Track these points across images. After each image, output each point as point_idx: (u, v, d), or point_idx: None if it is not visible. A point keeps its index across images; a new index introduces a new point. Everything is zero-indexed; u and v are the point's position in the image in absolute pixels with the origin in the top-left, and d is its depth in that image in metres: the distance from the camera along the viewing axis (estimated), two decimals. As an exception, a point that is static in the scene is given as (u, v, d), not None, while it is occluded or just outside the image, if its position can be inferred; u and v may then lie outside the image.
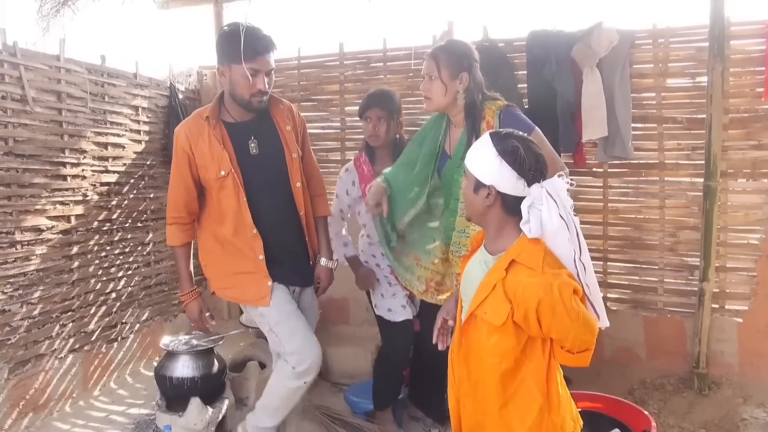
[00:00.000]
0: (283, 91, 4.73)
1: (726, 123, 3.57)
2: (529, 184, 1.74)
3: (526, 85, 3.93)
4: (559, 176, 1.77)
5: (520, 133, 1.83)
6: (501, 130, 1.87)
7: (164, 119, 4.43)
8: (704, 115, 3.56)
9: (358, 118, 4.43)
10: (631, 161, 3.84)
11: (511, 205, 1.78)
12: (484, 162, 1.78)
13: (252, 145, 2.62)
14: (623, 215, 3.95)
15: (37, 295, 3.45)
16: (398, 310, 3.15)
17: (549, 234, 1.73)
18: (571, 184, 1.78)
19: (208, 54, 4.81)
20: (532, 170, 1.74)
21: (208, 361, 3.13)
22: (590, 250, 3.92)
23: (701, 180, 3.61)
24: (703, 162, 3.58)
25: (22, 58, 3.35)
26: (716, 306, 3.69)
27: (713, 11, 3.43)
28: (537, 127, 2.45)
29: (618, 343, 3.95)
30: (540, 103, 3.83)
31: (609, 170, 3.94)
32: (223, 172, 2.56)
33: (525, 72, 3.94)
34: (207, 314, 2.75)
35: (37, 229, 3.47)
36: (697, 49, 3.66)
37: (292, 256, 2.76)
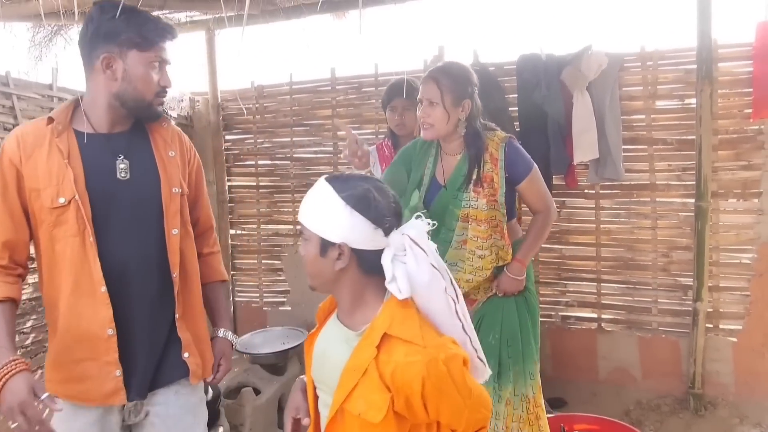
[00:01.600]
0: (275, 116, 4.75)
1: (715, 144, 3.61)
2: (387, 233, 1.43)
3: (516, 108, 3.96)
4: (417, 217, 1.47)
5: (362, 173, 1.55)
6: (339, 174, 1.52)
7: (157, 145, 4.42)
8: (694, 137, 3.59)
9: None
10: (623, 182, 3.86)
11: (370, 263, 1.44)
12: (329, 215, 1.43)
13: (121, 166, 1.84)
14: (616, 236, 3.97)
15: (29, 324, 3.43)
16: None
17: (421, 289, 1.42)
18: (433, 225, 1.47)
19: (200, 80, 4.84)
20: (389, 215, 1.44)
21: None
22: (584, 271, 4.02)
23: (692, 200, 3.64)
24: (693, 183, 3.61)
25: (15, 88, 3.36)
26: (710, 326, 3.70)
27: (700, 34, 3.48)
28: (534, 164, 2.48)
29: (613, 364, 3.95)
30: (531, 125, 3.86)
31: (601, 192, 3.97)
32: (62, 200, 1.75)
33: (516, 95, 3.97)
34: (43, 396, 1.61)
35: (31, 259, 3.45)
36: (685, 71, 3.70)
37: (149, 341, 1.88)
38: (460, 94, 2.39)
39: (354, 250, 1.43)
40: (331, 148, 4.62)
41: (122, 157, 1.85)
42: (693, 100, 3.62)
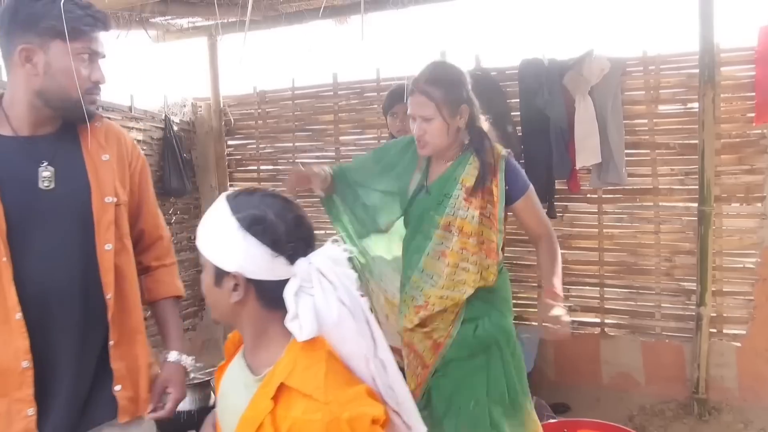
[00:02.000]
0: (277, 122, 4.76)
1: (718, 148, 3.60)
2: (292, 261, 1.21)
3: (519, 113, 3.96)
4: (333, 241, 1.24)
5: (266, 189, 1.31)
6: (237, 190, 1.31)
7: (159, 151, 4.44)
8: (696, 141, 3.58)
9: (353, 147, 4.47)
10: (625, 187, 3.86)
11: (271, 296, 1.23)
12: (223, 239, 1.22)
13: (45, 174, 1.58)
14: (618, 241, 3.96)
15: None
16: None
17: (330, 328, 1.19)
18: (351, 253, 1.26)
19: (203, 86, 4.86)
20: (293, 240, 1.22)
21: (204, 394, 3.12)
22: (586, 276, 4.02)
23: (695, 205, 3.63)
24: (696, 187, 3.60)
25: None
26: (714, 330, 3.69)
27: (703, 38, 3.47)
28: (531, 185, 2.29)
29: (616, 369, 3.94)
30: (533, 130, 3.87)
31: (603, 196, 3.96)
32: None
33: (518, 100, 3.97)
34: None
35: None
36: (687, 75, 3.70)
37: (75, 374, 1.61)
38: (456, 100, 2.13)
39: (251, 281, 1.22)
40: (334, 153, 4.62)
41: (46, 163, 1.59)
42: (695, 105, 3.61)
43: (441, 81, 2.13)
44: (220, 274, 1.24)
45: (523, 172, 2.29)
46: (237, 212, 1.22)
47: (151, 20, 3.97)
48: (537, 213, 2.30)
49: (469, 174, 2.18)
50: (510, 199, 2.23)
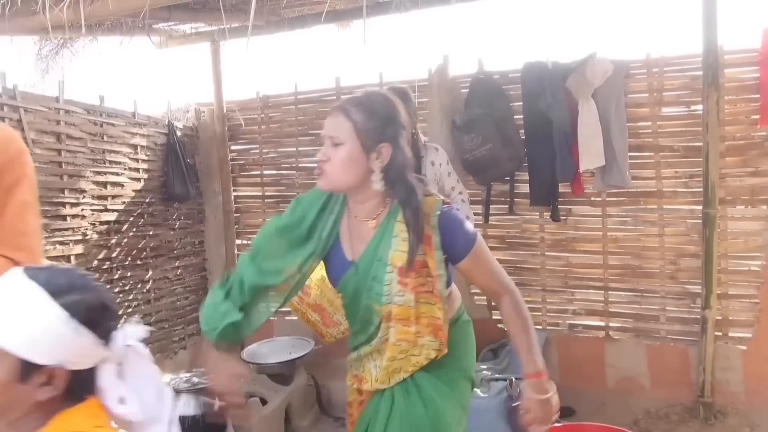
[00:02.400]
0: (280, 126, 4.76)
1: (723, 150, 3.59)
2: (107, 342, 1.11)
3: (522, 117, 3.95)
4: (137, 321, 1.18)
5: (65, 266, 1.15)
6: (39, 266, 1.15)
7: (163, 157, 4.45)
8: (701, 143, 3.57)
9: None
10: (629, 190, 3.85)
11: (80, 384, 1.10)
12: (39, 329, 1.04)
13: None
14: (623, 244, 3.94)
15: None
16: None
17: (148, 420, 1.11)
18: (145, 336, 1.18)
19: (206, 91, 4.86)
20: (111, 321, 1.13)
21: (206, 401, 3.11)
22: (590, 279, 4.00)
23: (700, 207, 3.61)
24: (701, 189, 3.58)
25: (22, 101, 3.38)
26: (719, 334, 3.67)
27: (706, 40, 3.46)
28: (478, 232, 1.84)
29: (621, 372, 3.92)
30: (536, 133, 3.86)
31: (607, 199, 3.95)
32: None
33: (521, 103, 3.96)
34: None
35: None
36: (691, 77, 3.69)
37: None
38: (377, 134, 1.69)
39: (69, 371, 1.08)
40: (337, 158, 4.61)
41: None
42: (699, 107, 3.60)
43: (367, 107, 1.72)
44: (28, 369, 1.05)
45: (463, 222, 1.81)
46: (57, 297, 1.06)
47: (154, 26, 3.98)
48: (489, 269, 1.84)
49: (397, 249, 1.76)
50: (452, 261, 1.81)
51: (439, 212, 1.76)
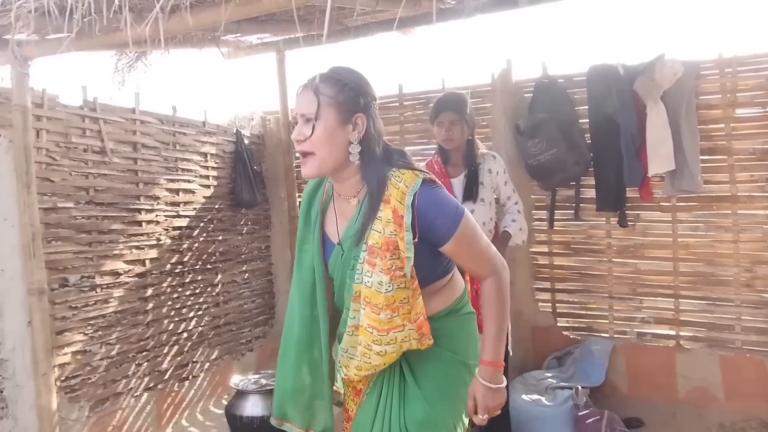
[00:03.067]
0: (345, 133, 4.83)
1: (801, 153, 3.45)
2: None
3: (587, 121, 3.90)
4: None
5: None
6: None
7: (231, 164, 4.59)
8: (777, 146, 3.45)
9: (419, 157, 4.49)
10: (701, 194, 3.73)
11: None
12: None
13: None
14: (694, 250, 3.84)
15: (114, 336, 3.60)
16: None
17: None
18: None
19: (271, 99, 4.99)
20: None
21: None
22: (660, 287, 3.90)
23: (777, 212, 3.49)
24: (778, 194, 3.46)
25: (102, 113, 3.56)
26: (799, 344, 3.52)
27: (782, 39, 3.34)
28: (467, 211, 1.72)
29: (693, 383, 3.80)
30: (602, 138, 3.81)
31: (678, 204, 3.85)
32: None
33: (586, 107, 3.91)
34: None
35: (115, 273, 3.64)
36: (766, 77, 3.56)
37: None
38: (350, 105, 1.67)
39: None
40: (400, 164, 4.64)
41: None
42: (776, 108, 3.48)
43: (336, 81, 1.69)
44: None
45: (446, 200, 1.69)
46: None
47: (222, 38, 4.11)
48: (474, 251, 1.73)
49: (373, 228, 1.69)
50: (435, 244, 1.70)
51: (416, 191, 1.65)
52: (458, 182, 3.22)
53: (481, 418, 1.72)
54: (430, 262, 1.73)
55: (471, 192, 3.17)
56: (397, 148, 1.79)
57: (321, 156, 1.66)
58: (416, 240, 1.65)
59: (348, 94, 1.67)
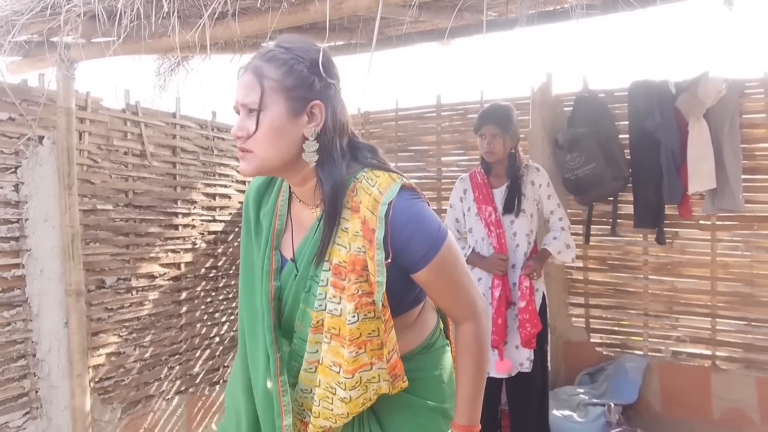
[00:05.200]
0: (380, 142, 4.83)
1: None
2: None
3: (627, 136, 3.86)
4: None
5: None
6: None
7: (266, 169, 4.60)
8: (823, 167, 3.38)
9: (455, 168, 4.48)
10: (742, 214, 3.67)
11: None
12: None
13: None
14: (733, 270, 3.77)
15: (148, 338, 3.63)
16: None
17: None
18: None
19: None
20: None
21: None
22: (697, 306, 3.84)
23: (821, 235, 3.42)
24: (822, 216, 3.39)
25: (143, 117, 3.60)
26: (840, 370, 3.45)
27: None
28: (451, 234, 1.37)
29: (728, 404, 3.73)
30: (643, 154, 3.77)
31: (717, 223, 3.79)
32: None
33: (626, 122, 3.87)
34: None
35: (151, 276, 3.66)
36: (812, 97, 3.50)
37: None
38: (303, 91, 1.29)
39: None
40: (435, 174, 4.64)
41: None
42: (822, 128, 3.41)
43: (284, 61, 1.29)
44: None
45: (428, 217, 1.34)
46: None
47: (262, 44, 4.13)
48: (454, 287, 1.40)
49: (338, 243, 1.34)
50: (407, 270, 1.35)
51: (392, 199, 1.29)
52: (499, 193, 3.21)
53: None
54: (401, 289, 1.38)
55: (512, 204, 3.16)
56: (367, 143, 1.42)
57: (262, 155, 1.30)
58: (389, 261, 1.30)
59: (300, 75, 1.29)
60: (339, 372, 1.33)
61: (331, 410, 1.37)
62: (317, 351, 1.37)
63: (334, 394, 1.35)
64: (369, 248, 1.29)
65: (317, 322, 1.35)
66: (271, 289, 1.41)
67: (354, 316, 1.30)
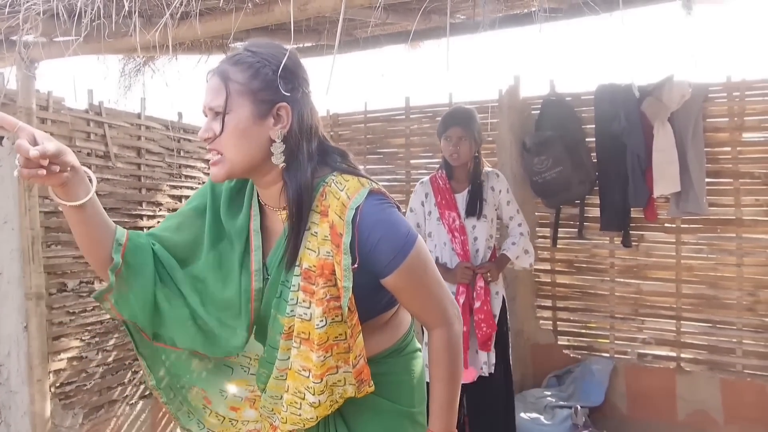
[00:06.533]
0: (349, 144, 4.82)
1: (808, 179, 3.44)
2: None
3: (594, 140, 3.89)
4: None
5: None
6: None
7: (235, 171, 4.56)
8: (784, 171, 3.44)
9: (424, 171, 4.47)
10: (706, 217, 3.72)
11: None
12: None
13: None
14: (697, 272, 3.82)
15: (111, 342, 3.57)
16: None
17: None
18: None
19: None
20: None
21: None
22: (662, 308, 3.88)
23: (782, 238, 3.47)
24: (783, 219, 3.45)
25: (107, 117, 3.54)
26: (801, 371, 3.50)
27: (791, 65, 3.34)
28: (420, 238, 1.38)
29: (693, 406, 3.77)
30: (609, 157, 3.80)
31: (682, 226, 3.84)
32: None
33: (593, 126, 3.90)
34: None
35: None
36: (775, 102, 3.56)
37: None
38: (269, 93, 1.31)
39: None
40: (404, 176, 4.64)
41: None
42: (783, 133, 3.47)
43: (250, 64, 1.32)
44: None
45: (394, 223, 1.34)
46: None
47: (230, 45, 4.10)
48: (425, 292, 1.39)
49: (308, 247, 1.34)
50: (377, 275, 1.35)
51: (359, 204, 1.30)
52: (461, 198, 3.21)
53: None
54: (371, 294, 1.38)
55: (474, 208, 3.16)
56: (338, 147, 1.42)
57: (230, 157, 1.31)
58: (355, 266, 1.29)
59: (265, 78, 1.31)
60: (308, 377, 1.33)
61: (299, 415, 1.37)
62: (288, 358, 1.36)
63: (303, 399, 1.35)
64: (336, 253, 1.29)
65: (288, 328, 1.35)
66: (252, 290, 1.39)
67: (322, 320, 1.30)
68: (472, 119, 3.17)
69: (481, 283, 3.11)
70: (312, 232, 1.33)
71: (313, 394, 1.34)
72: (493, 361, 3.13)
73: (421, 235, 3.29)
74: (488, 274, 3.13)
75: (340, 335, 1.33)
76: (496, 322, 3.15)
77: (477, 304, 3.09)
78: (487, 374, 3.11)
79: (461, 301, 3.09)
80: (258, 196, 1.43)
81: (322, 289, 1.30)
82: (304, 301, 1.32)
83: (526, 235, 3.30)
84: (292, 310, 1.34)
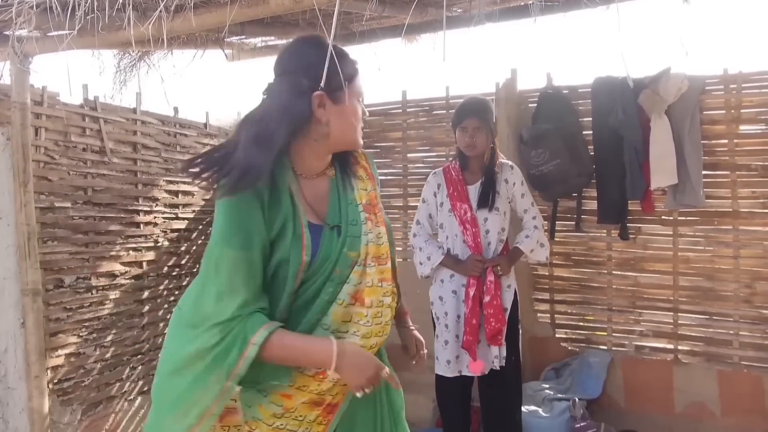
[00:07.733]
0: (346, 138, 4.81)
1: (804, 171, 3.44)
2: None
3: (591, 133, 3.89)
4: None
5: None
6: None
7: (232, 166, 4.54)
8: (780, 163, 3.44)
9: (421, 165, 4.46)
10: (703, 209, 3.73)
11: None
12: None
13: None
14: (694, 265, 3.83)
15: (109, 338, 3.56)
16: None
17: None
18: None
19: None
20: None
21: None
22: (659, 300, 3.88)
23: (779, 229, 3.48)
24: (780, 211, 3.45)
25: (102, 112, 3.53)
26: (798, 362, 3.51)
27: (788, 56, 3.34)
28: None
29: (690, 397, 3.78)
30: (606, 150, 3.80)
31: (679, 218, 3.84)
32: None
33: (590, 119, 3.90)
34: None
35: (112, 275, 3.59)
36: (771, 94, 3.56)
37: None
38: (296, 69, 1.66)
39: None
40: (401, 170, 4.63)
41: None
42: (779, 125, 3.47)
43: (284, 58, 1.71)
44: None
45: None
46: None
47: (226, 40, 4.08)
48: None
49: (359, 188, 1.71)
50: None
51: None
52: (474, 189, 3.20)
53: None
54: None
55: (486, 200, 3.15)
56: None
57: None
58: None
59: (299, 60, 1.71)
60: (383, 285, 1.66)
61: (381, 321, 1.64)
62: (361, 282, 1.61)
63: (383, 305, 1.64)
64: (374, 186, 1.76)
65: (362, 257, 1.61)
66: (303, 263, 1.55)
67: (384, 238, 1.70)
68: (487, 110, 3.15)
69: (491, 278, 3.09)
70: (358, 176, 1.73)
71: (388, 296, 1.67)
72: (504, 354, 3.11)
73: (433, 226, 3.30)
74: (498, 268, 3.12)
75: (388, 252, 1.72)
76: (507, 316, 3.14)
77: (486, 299, 3.08)
78: (498, 367, 3.11)
79: (471, 293, 3.08)
80: (296, 178, 1.61)
81: (380, 213, 1.73)
82: (371, 228, 1.65)
83: (541, 228, 3.28)
84: (365, 240, 1.63)
